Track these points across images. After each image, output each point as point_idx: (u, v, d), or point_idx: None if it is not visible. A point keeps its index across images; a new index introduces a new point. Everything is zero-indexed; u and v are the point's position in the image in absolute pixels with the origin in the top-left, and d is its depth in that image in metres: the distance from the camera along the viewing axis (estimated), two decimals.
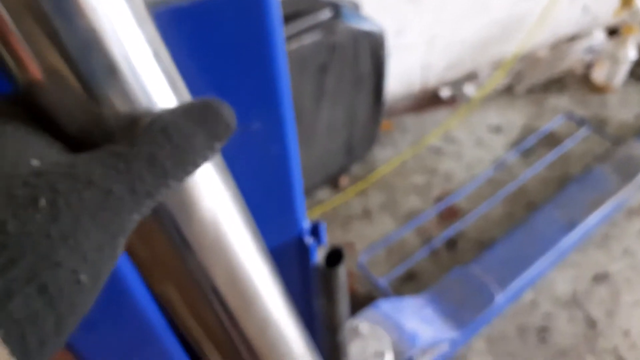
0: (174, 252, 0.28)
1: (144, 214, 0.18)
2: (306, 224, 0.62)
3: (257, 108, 0.46)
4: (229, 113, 0.22)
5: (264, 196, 0.55)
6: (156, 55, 0.21)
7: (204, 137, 0.20)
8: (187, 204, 0.25)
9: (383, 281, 1.34)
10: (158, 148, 0.18)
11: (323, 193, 1.62)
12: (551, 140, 1.77)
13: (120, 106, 0.20)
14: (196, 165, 0.19)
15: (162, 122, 0.19)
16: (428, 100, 1.94)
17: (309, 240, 0.62)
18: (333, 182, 1.65)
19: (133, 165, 0.18)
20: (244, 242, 0.32)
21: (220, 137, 0.21)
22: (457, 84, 1.96)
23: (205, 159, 0.20)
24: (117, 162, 0.17)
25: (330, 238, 1.50)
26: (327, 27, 1.30)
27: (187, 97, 0.24)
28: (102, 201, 0.17)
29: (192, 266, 0.30)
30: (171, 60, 0.24)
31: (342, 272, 0.63)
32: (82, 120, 0.20)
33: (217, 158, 0.27)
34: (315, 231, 0.63)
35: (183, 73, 0.40)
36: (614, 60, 1.91)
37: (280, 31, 0.42)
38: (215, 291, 0.33)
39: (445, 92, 1.95)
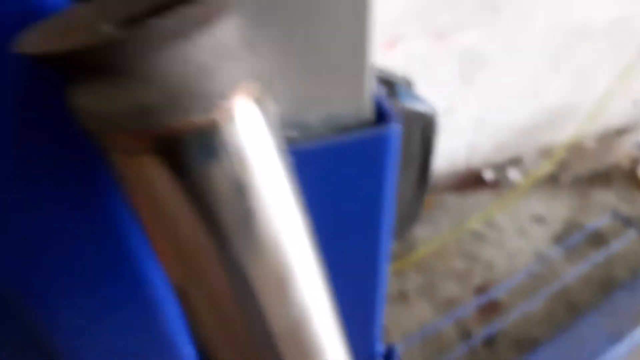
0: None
1: None
2: (380, 347, 0.60)
3: (359, 240, 0.46)
4: None
5: (346, 317, 0.54)
6: None
7: None
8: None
9: None
10: None
11: None
12: (596, 238, 1.72)
13: None
14: None
15: None
16: (471, 180, 1.92)
17: None
18: None
19: None
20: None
21: None
22: (500, 167, 1.94)
23: None
24: None
25: None
26: None
27: None
28: None
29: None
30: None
31: None
32: None
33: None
34: (388, 356, 0.61)
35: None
36: None
37: (393, 175, 0.41)
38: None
39: (488, 175, 1.93)
